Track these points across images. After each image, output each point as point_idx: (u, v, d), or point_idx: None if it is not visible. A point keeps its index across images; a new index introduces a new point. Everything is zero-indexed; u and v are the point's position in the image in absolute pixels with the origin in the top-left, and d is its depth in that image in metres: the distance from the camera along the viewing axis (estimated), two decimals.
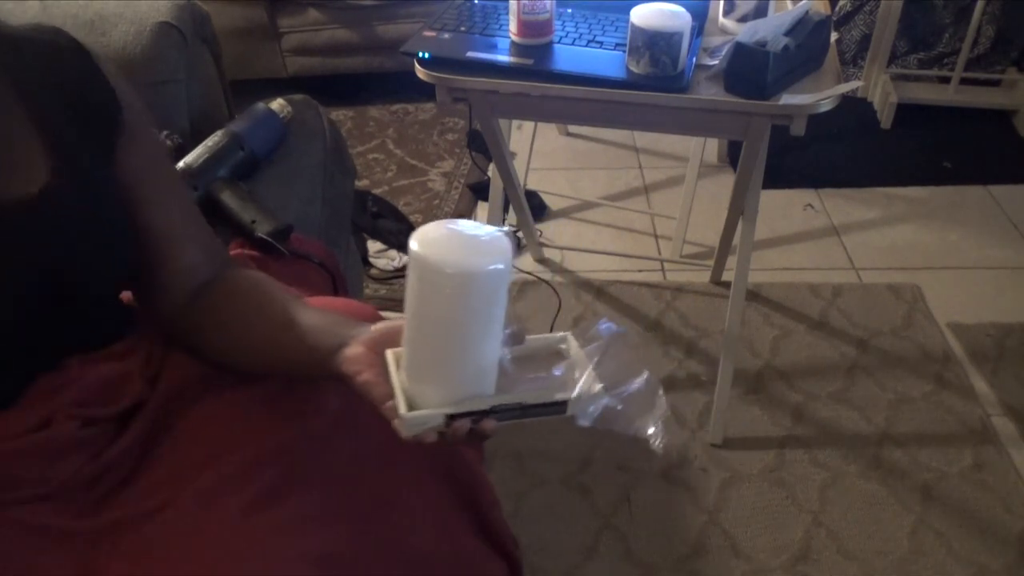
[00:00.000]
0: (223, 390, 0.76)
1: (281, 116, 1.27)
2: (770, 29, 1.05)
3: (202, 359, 0.78)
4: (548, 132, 2.34)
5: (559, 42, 1.14)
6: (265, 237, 1.06)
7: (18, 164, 0.67)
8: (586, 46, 1.13)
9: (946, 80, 2.33)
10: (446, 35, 1.16)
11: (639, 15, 1.04)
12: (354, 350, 0.64)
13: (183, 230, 0.78)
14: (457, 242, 0.56)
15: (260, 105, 1.26)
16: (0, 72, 0.66)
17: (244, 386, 0.76)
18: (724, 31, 1.20)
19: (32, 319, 0.68)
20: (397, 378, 0.60)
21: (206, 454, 0.70)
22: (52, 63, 0.70)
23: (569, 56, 1.11)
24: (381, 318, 0.88)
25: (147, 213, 0.75)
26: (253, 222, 1.08)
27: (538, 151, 2.17)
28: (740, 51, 1.03)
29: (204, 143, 1.17)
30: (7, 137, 0.67)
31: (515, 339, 0.62)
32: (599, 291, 1.81)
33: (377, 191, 2.13)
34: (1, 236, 0.66)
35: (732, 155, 2.21)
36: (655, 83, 1.06)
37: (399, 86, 2.54)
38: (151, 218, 0.75)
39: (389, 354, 0.62)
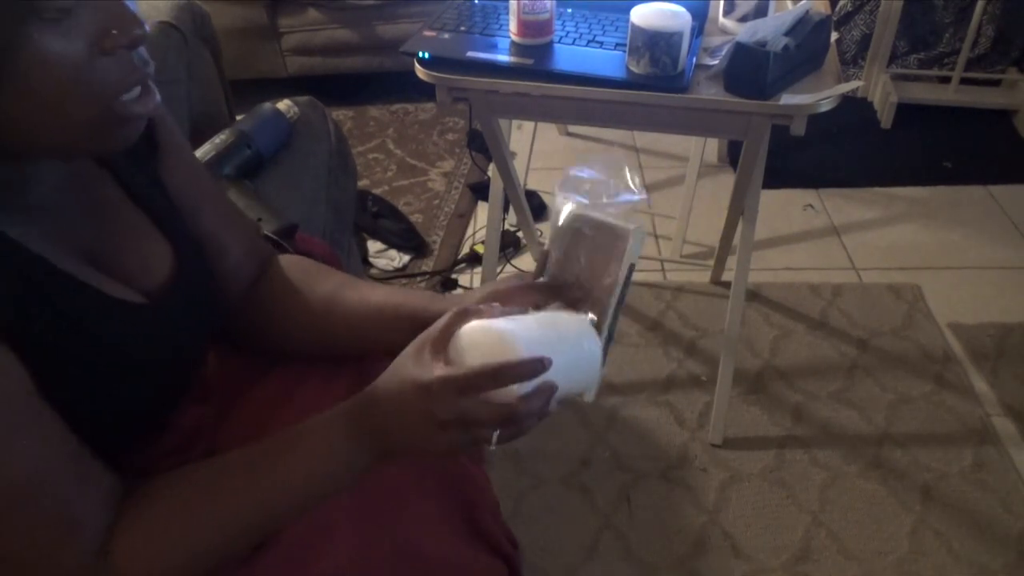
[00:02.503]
0: (241, 406, 0.78)
1: (288, 116, 1.27)
2: (770, 29, 1.05)
3: (259, 349, 0.81)
4: (548, 132, 2.34)
5: (559, 42, 1.14)
6: (271, 235, 1.06)
7: (145, 249, 0.67)
8: (586, 46, 1.13)
9: (946, 80, 2.33)
10: (446, 35, 1.16)
11: (639, 15, 1.04)
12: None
13: (228, 227, 0.79)
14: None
15: (267, 105, 1.26)
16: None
17: (255, 401, 0.78)
18: (724, 31, 1.20)
19: (167, 389, 0.69)
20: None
21: None
22: None
23: (569, 56, 1.11)
24: None
25: (195, 219, 0.74)
26: (259, 220, 1.09)
27: (538, 151, 2.17)
28: (740, 51, 1.03)
29: (211, 140, 1.18)
30: (132, 224, 0.67)
31: None
32: None
33: (377, 191, 2.13)
34: (154, 324, 0.65)
35: (732, 155, 2.21)
36: (655, 83, 1.06)
37: (399, 86, 2.54)
38: (199, 222, 0.75)
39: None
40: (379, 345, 0.77)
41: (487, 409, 0.57)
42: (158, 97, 0.57)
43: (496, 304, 0.63)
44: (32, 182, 0.58)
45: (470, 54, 1.12)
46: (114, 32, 0.52)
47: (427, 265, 1.90)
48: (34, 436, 0.54)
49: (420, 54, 1.12)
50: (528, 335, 0.60)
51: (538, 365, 0.57)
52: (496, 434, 0.58)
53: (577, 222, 0.72)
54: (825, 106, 1.05)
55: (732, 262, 1.46)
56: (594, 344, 0.64)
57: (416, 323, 0.72)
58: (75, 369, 0.57)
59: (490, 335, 0.59)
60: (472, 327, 0.60)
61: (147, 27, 0.54)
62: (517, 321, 0.62)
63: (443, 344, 0.60)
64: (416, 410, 0.58)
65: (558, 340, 0.62)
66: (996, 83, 2.37)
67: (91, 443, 0.60)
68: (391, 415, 0.60)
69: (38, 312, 0.54)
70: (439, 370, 0.58)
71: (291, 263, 0.83)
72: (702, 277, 1.85)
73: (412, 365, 0.60)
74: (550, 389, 0.58)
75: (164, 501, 0.60)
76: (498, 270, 1.72)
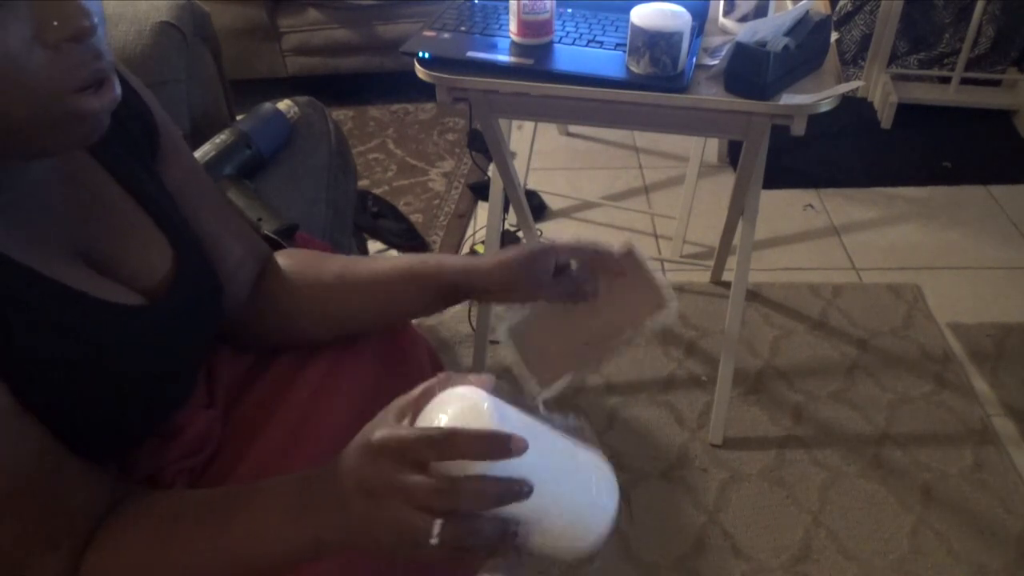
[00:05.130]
0: (241, 407, 0.79)
1: (288, 116, 1.27)
2: (770, 29, 1.05)
3: (273, 346, 0.82)
4: (548, 132, 2.34)
5: (559, 42, 1.14)
6: (271, 235, 1.06)
7: (145, 248, 0.66)
8: (586, 46, 1.13)
9: (946, 80, 2.33)
10: (446, 35, 1.16)
11: (639, 15, 1.04)
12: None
13: (227, 228, 0.79)
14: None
15: (267, 105, 1.27)
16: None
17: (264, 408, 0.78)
18: (724, 31, 1.20)
19: (167, 393, 0.68)
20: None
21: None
22: None
23: (569, 56, 1.11)
24: None
25: (194, 221, 0.73)
26: (259, 220, 1.09)
27: (538, 151, 2.17)
28: (740, 51, 1.03)
29: (211, 140, 1.18)
30: (131, 222, 0.65)
31: None
32: None
33: (377, 191, 2.13)
34: (156, 325, 0.64)
35: (732, 155, 2.21)
36: (655, 83, 1.06)
37: (399, 86, 2.54)
38: (198, 224, 0.74)
39: None
40: (397, 313, 0.80)
41: (422, 479, 0.47)
42: (117, 91, 0.53)
43: (491, 377, 0.53)
44: (10, 183, 0.56)
45: (470, 54, 1.12)
46: (55, 24, 0.47)
47: None
48: (9, 452, 0.53)
49: (420, 54, 1.12)
50: (523, 430, 0.49)
51: (505, 443, 0.47)
52: (438, 524, 0.47)
53: (633, 255, 0.72)
54: (825, 106, 1.05)
55: (732, 262, 1.46)
56: (609, 498, 0.53)
57: (431, 285, 0.76)
58: (69, 376, 0.56)
59: (465, 401, 0.49)
60: (451, 391, 0.50)
61: (95, 18, 0.49)
62: (519, 416, 0.51)
63: (415, 407, 0.51)
64: (351, 477, 0.50)
65: (563, 463, 0.51)
66: (996, 83, 2.37)
67: (92, 448, 0.59)
68: (333, 485, 0.52)
69: (22, 324, 0.53)
70: (387, 430, 0.50)
71: (291, 255, 0.84)
72: (702, 277, 1.85)
73: (369, 428, 0.52)
74: (518, 488, 0.48)
75: (129, 536, 0.59)
76: None
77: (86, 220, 0.62)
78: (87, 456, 0.59)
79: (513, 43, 1.13)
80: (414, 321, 0.91)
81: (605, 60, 1.10)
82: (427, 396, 0.51)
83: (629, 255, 0.74)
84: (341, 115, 2.47)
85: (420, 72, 1.12)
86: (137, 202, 0.66)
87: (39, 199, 0.58)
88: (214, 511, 0.59)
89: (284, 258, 0.84)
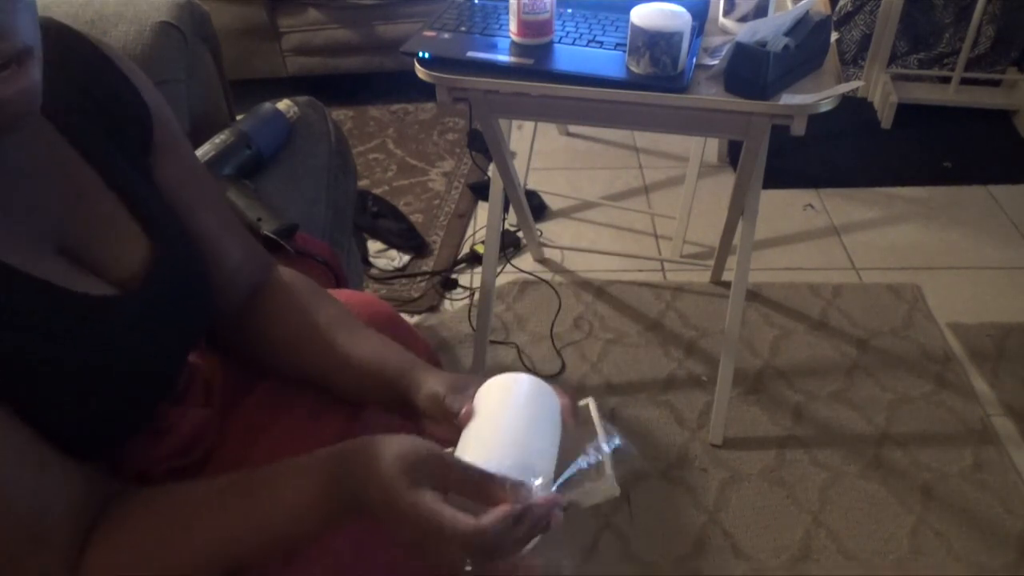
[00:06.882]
0: (238, 409, 0.78)
1: (287, 116, 1.27)
2: (770, 29, 1.05)
3: (250, 360, 0.80)
4: (548, 132, 2.34)
5: (559, 42, 1.14)
6: (271, 235, 1.06)
7: (120, 239, 0.64)
8: (586, 46, 1.13)
9: (946, 80, 2.33)
10: (446, 35, 1.16)
11: (639, 15, 1.04)
12: (433, 391, 0.68)
13: (226, 231, 0.77)
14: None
15: (267, 105, 1.26)
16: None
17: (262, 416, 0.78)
18: (724, 31, 1.20)
19: (144, 388, 0.67)
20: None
21: None
22: (74, 74, 0.65)
23: (569, 56, 1.11)
24: (399, 317, 0.90)
25: (191, 220, 0.72)
26: (259, 220, 1.09)
27: (538, 151, 2.17)
28: (740, 51, 1.03)
29: (211, 140, 1.18)
30: (106, 212, 0.64)
31: None
32: (599, 291, 1.81)
33: (377, 191, 2.13)
34: (132, 316, 0.63)
35: (732, 155, 2.21)
36: (655, 83, 1.06)
37: (399, 86, 2.54)
38: (195, 224, 0.73)
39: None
40: (353, 396, 0.76)
41: (465, 528, 0.53)
42: (34, 78, 0.49)
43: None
44: None
45: (470, 54, 1.12)
46: None
47: (427, 265, 1.90)
48: None
49: (420, 54, 1.12)
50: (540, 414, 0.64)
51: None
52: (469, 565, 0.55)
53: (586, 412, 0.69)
54: (825, 106, 1.05)
55: (732, 262, 1.46)
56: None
57: (392, 389, 0.72)
58: (42, 370, 0.55)
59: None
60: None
61: None
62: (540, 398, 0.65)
63: (462, 486, 0.57)
64: (399, 513, 0.54)
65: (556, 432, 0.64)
66: (996, 83, 2.37)
67: (75, 445, 0.58)
68: (369, 489, 0.56)
69: None
70: (463, 523, 0.54)
71: (295, 279, 0.82)
72: (702, 277, 1.85)
73: (417, 470, 0.56)
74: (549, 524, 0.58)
75: (138, 524, 0.59)
76: (498, 270, 1.72)
77: (61, 210, 0.60)
78: (72, 453, 0.59)
79: (513, 43, 1.13)
80: (413, 320, 0.91)
81: (605, 60, 1.10)
82: (482, 486, 0.57)
83: (584, 408, 0.70)
84: (341, 115, 2.47)
85: (420, 72, 1.12)
86: (117, 193, 0.64)
87: (13, 189, 0.57)
88: (237, 494, 0.59)
89: (288, 279, 0.82)
